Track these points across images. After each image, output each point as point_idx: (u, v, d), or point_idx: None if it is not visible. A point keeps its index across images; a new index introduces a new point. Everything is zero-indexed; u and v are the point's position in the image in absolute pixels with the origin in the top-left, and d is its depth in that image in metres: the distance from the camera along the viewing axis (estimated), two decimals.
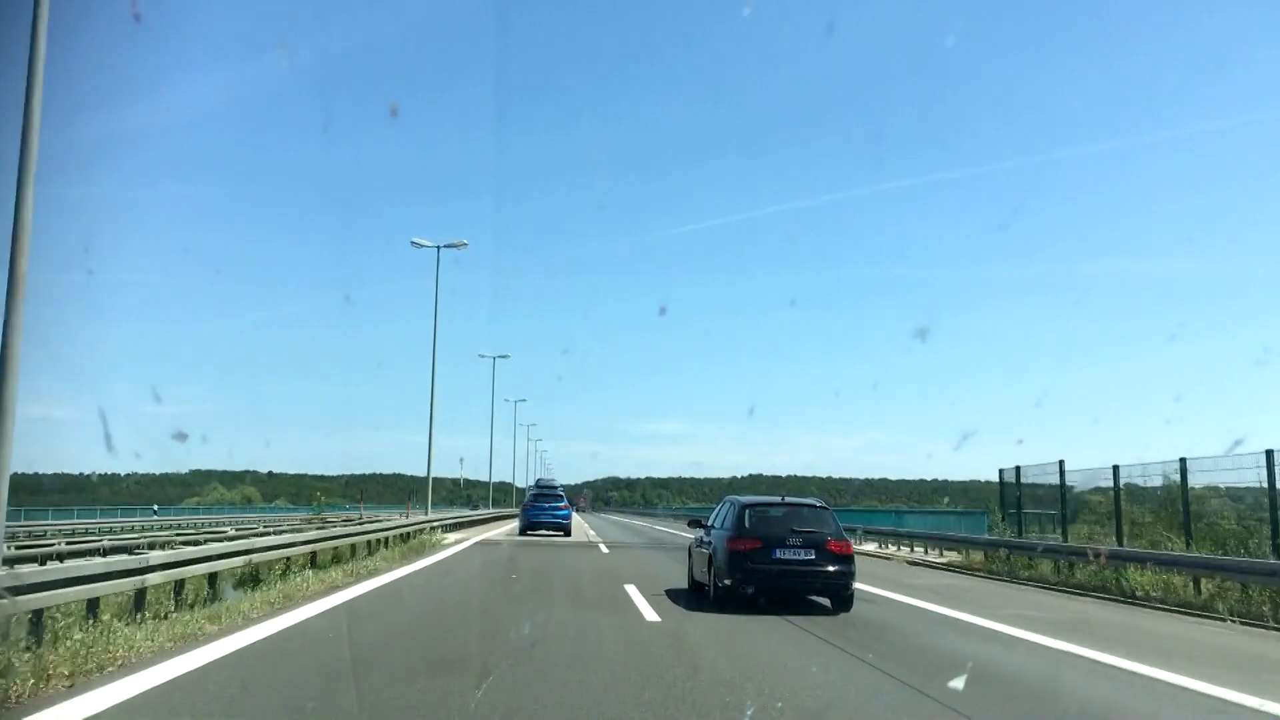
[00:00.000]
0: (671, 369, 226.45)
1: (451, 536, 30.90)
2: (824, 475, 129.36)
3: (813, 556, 12.89)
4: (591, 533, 38.76)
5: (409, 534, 25.94)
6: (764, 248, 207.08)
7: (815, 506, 13.82)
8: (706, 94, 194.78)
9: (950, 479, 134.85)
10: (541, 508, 34.81)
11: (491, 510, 60.85)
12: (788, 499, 14.10)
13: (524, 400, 79.97)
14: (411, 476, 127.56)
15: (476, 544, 27.51)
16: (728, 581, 13.01)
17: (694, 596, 14.20)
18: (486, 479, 77.55)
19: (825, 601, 13.27)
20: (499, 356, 63.38)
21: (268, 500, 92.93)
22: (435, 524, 30.81)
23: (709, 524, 14.73)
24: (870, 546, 30.59)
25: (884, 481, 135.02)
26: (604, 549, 26.77)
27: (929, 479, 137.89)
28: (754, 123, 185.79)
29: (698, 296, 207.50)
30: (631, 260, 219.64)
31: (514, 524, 41.53)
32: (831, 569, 12.90)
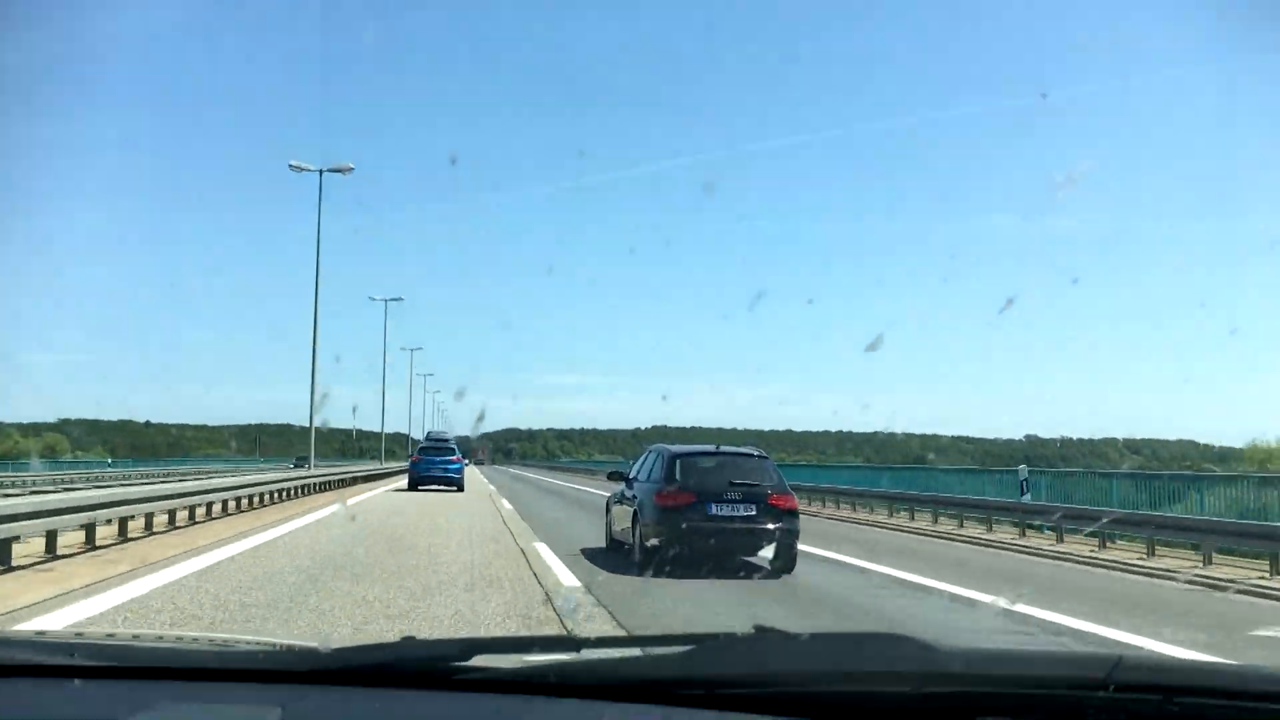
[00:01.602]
0: (569, 320, 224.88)
1: None
2: (729, 427, 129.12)
3: (753, 512, 11.30)
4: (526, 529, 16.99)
5: None
6: (649, 196, 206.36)
7: (754, 456, 12.24)
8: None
9: (854, 430, 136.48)
10: (432, 461, 32.95)
11: (292, 473, 31.25)
12: (723, 448, 12.46)
13: (420, 349, 76.53)
14: (302, 428, 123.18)
15: None
16: (655, 540, 11.37)
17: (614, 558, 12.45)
18: (394, 430, 74.98)
19: (765, 562, 11.76)
20: (392, 299, 59.59)
21: (85, 450, 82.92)
22: None
23: (632, 476, 13.03)
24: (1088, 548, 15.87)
25: (790, 433, 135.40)
26: None
27: (832, 431, 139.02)
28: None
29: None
30: (526, 218, 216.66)
31: (308, 521, 18.74)
32: (773, 526, 11.36)
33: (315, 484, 29.51)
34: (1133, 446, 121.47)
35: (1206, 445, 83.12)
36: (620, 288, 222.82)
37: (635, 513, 11.93)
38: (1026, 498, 20.11)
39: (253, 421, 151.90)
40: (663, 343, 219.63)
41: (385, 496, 28.18)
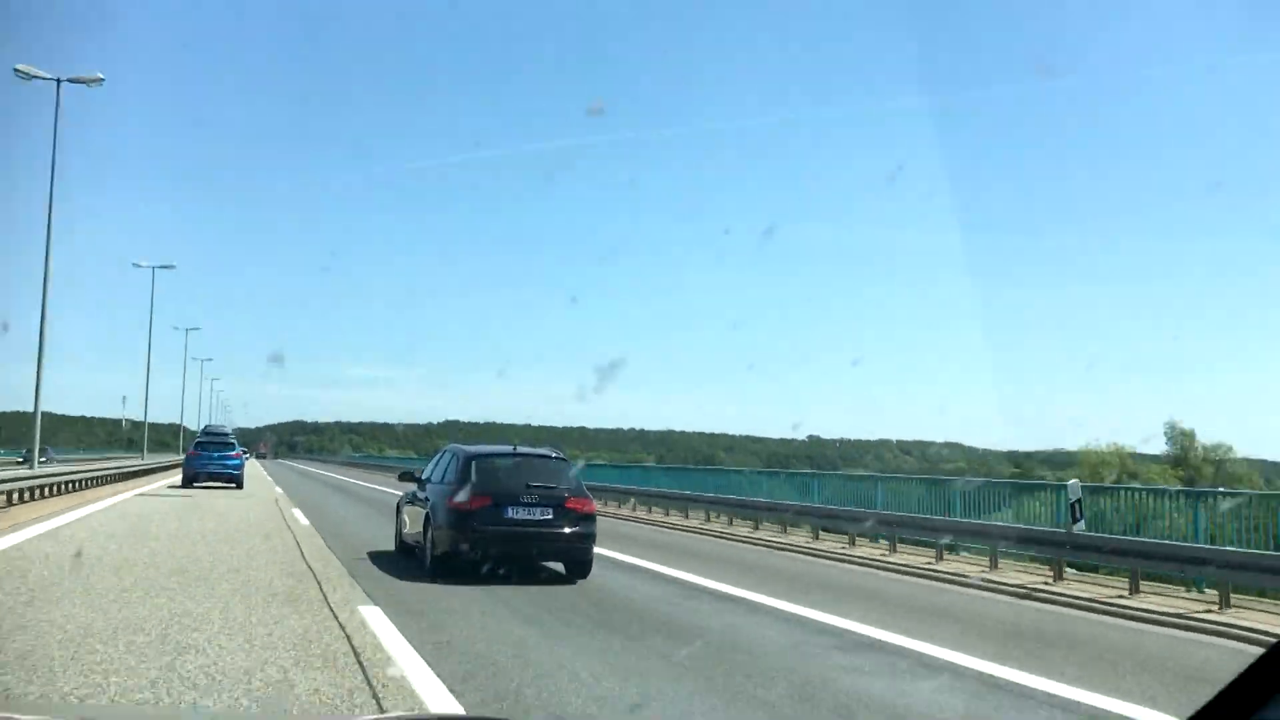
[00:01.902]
0: (361, 310, 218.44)
1: None
2: (521, 423, 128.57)
3: (550, 516, 11.12)
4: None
5: None
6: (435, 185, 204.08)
7: (552, 457, 12.06)
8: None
9: (646, 429, 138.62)
10: (210, 456, 31.13)
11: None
12: (520, 449, 12.19)
13: (197, 329, 67.69)
14: (56, 415, 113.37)
15: None
16: (449, 546, 10.99)
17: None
18: (163, 420, 66.96)
19: (560, 567, 11.60)
20: (162, 267, 51.12)
21: None
22: None
23: (425, 477, 12.57)
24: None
25: (583, 430, 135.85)
26: None
27: (625, 428, 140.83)
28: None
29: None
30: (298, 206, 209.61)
31: None
32: (570, 530, 11.22)
33: (39, 487, 21.86)
34: (905, 448, 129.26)
35: (970, 448, 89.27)
36: (413, 278, 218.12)
37: (428, 516, 11.51)
38: (1079, 526, 13.50)
39: (9, 409, 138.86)
40: (455, 336, 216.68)
41: (135, 504, 22.40)
